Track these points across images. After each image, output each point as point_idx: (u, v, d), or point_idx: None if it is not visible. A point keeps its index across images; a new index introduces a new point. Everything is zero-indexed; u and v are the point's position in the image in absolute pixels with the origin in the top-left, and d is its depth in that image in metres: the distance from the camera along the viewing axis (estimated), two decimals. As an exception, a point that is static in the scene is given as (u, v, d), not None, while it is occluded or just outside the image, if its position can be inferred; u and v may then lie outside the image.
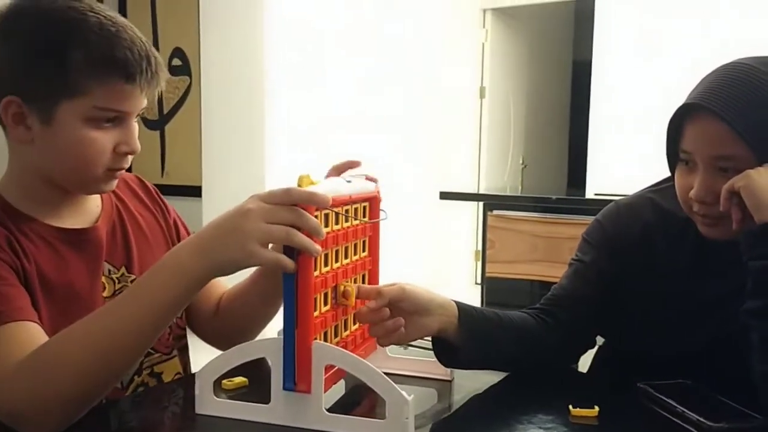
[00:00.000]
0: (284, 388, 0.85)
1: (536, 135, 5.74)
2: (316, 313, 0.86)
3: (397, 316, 0.96)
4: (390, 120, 4.14)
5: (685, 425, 0.89)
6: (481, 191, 4.66)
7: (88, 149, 0.97)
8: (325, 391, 0.85)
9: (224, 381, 0.99)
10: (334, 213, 0.91)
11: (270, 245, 0.85)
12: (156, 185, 1.24)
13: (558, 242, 2.80)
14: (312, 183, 0.88)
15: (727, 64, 1.01)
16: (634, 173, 2.57)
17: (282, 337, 0.84)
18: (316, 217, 0.84)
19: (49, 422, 0.85)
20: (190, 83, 4.22)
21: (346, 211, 0.95)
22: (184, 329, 1.19)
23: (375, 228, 1.05)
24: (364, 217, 1.01)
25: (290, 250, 0.83)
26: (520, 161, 5.48)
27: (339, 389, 1.00)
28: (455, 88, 5.01)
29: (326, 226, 0.89)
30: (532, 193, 3.95)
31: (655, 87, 3.92)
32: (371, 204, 1.03)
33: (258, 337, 1.20)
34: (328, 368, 0.86)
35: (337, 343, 0.94)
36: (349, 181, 0.97)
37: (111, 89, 0.95)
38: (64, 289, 0.99)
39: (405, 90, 4.28)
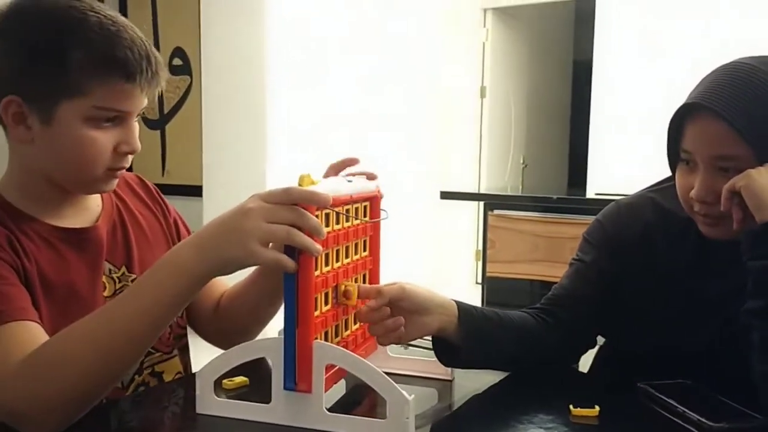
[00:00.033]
0: (285, 388, 0.85)
1: (537, 135, 5.74)
2: (316, 313, 0.86)
3: (397, 315, 0.96)
4: (391, 119, 4.14)
5: (685, 425, 0.89)
6: (482, 191, 4.66)
7: (88, 149, 0.97)
8: (325, 391, 0.85)
9: (225, 381, 0.99)
10: (334, 212, 0.91)
11: (270, 244, 0.85)
12: (157, 185, 1.24)
13: (558, 242, 2.80)
14: (313, 182, 0.88)
15: (728, 64, 1.01)
16: (634, 173, 2.57)
17: (282, 336, 0.84)
18: (316, 216, 0.84)
19: (50, 421, 0.85)
20: (191, 83, 4.22)
21: (347, 210, 0.95)
22: (185, 328, 1.19)
23: (376, 227, 1.05)
24: (364, 216, 1.01)
25: (291, 250, 0.83)
26: (521, 161, 5.48)
27: (340, 389, 1.00)
28: (456, 88, 5.01)
29: (327, 225, 0.89)
30: (532, 192, 3.94)
31: (656, 87, 3.92)
32: (372, 203, 1.03)
33: (259, 337, 1.20)
34: (328, 368, 0.86)
35: (338, 343, 0.94)
36: (350, 181, 0.97)
37: (111, 89, 0.95)
38: (64, 289, 0.99)
39: (406, 89, 4.28)
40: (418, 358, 1.08)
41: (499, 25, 5.22)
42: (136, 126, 1.02)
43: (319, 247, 0.83)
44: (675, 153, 1.05)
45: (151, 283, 0.89)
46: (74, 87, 0.93)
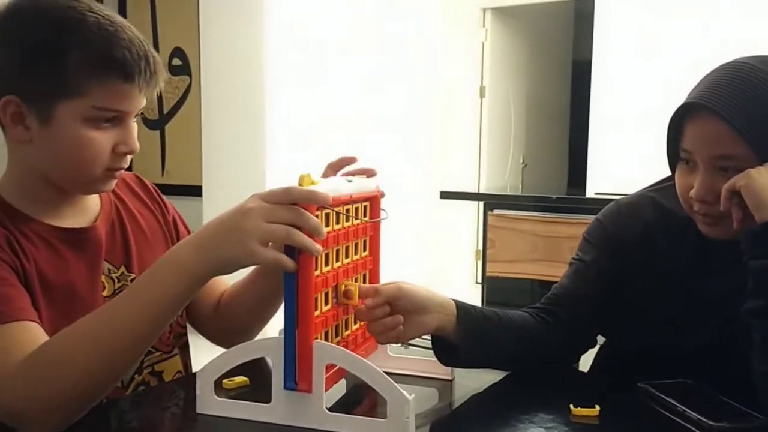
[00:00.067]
0: (285, 388, 0.85)
1: (536, 134, 5.74)
2: (316, 313, 0.86)
3: (395, 314, 0.96)
4: (390, 119, 4.14)
5: (686, 424, 0.89)
6: (482, 191, 4.65)
7: (86, 149, 0.96)
8: (326, 391, 0.85)
9: (225, 380, 0.99)
10: (334, 212, 0.91)
11: (270, 244, 0.85)
12: (156, 185, 1.24)
13: (558, 242, 2.80)
14: (313, 182, 0.88)
15: (727, 64, 1.01)
16: (634, 172, 2.57)
17: (283, 336, 0.84)
18: (316, 216, 0.84)
19: (50, 421, 0.85)
20: (190, 83, 4.22)
21: (347, 210, 0.95)
22: (185, 327, 1.19)
23: (375, 227, 1.05)
24: (364, 216, 1.01)
25: (291, 250, 0.83)
26: (521, 161, 5.48)
27: (340, 388, 1.00)
28: (455, 88, 5.01)
29: (327, 225, 0.89)
30: (532, 192, 3.94)
31: (655, 86, 3.92)
32: (372, 203, 1.03)
33: (259, 336, 1.20)
34: (329, 367, 0.86)
35: (338, 343, 0.94)
36: (349, 181, 0.97)
37: (109, 89, 0.95)
38: (63, 289, 0.99)
39: (405, 90, 4.28)
40: (419, 357, 1.08)
41: (498, 25, 5.22)
42: (134, 126, 1.02)
43: (319, 247, 0.83)
44: (674, 152, 1.05)
45: (151, 282, 0.89)
46: (73, 87, 0.93)
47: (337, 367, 0.89)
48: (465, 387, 1.05)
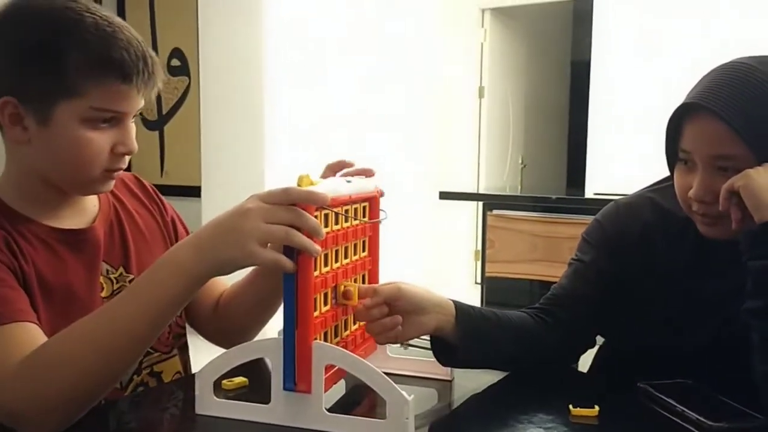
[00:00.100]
0: (284, 388, 0.85)
1: (535, 135, 5.74)
2: (316, 313, 0.86)
3: (394, 315, 0.96)
4: (389, 120, 4.14)
5: (685, 425, 0.89)
6: (481, 191, 4.65)
7: (85, 150, 0.96)
8: (325, 391, 0.85)
9: (224, 381, 0.98)
10: (333, 213, 0.91)
11: (269, 245, 0.85)
12: (155, 185, 1.23)
13: (557, 242, 2.80)
14: (312, 183, 0.88)
15: (726, 64, 1.01)
16: (633, 173, 2.57)
17: (282, 337, 0.84)
18: (316, 217, 0.84)
19: (49, 422, 0.85)
20: (189, 83, 4.22)
21: (346, 211, 0.95)
22: (184, 328, 1.19)
23: (375, 228, 1.05)
24: (363, 217, 1.01)
25: (290, 250, 0.83)
26: (520, 161, 5.48)
27: (339, 389, 1.00)
28: (454, 88, 5.01)
29: (326, 226, 0.89)
30: (531, 192, 3.94)
31: (655, 87, 3.92)
32: (371, 204, 1.03)
33: (258, 337, 1.20)
34: (328, 368, 0.86)
35: (337, 343, 0.94)
36: (349, 181, 0.97)
37: (107, 90, 0.95)
38: (62, 290, 0.99)
39: (404, 90, 4.28)
40: (418, 358, 1.08)
41: (497, 26, 5.22)
42: (132, 127, 1.02)
43: (318, 247, 0.83)
44: (673, 153, 1.05)
45: (149, 283, 0.89)
46: (71, 88, 0.93)
47: (337, 367, 0.88)
48: (464, 387, 1.05)
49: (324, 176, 1.05)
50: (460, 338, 1.02)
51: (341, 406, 0.94)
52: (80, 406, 0.88)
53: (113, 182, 1.04)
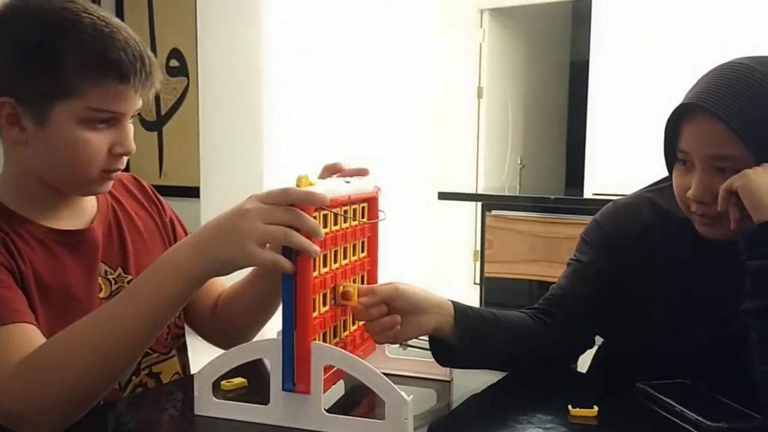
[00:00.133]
0: (283, 389, 0.85)
1: (534, 135, 5.74)
2: (315, 314, 0.86)
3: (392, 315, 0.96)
4: (388, 120, 4.15)
5: (684, 425, 0.89)
6: (480, 191, 4.65)
7: (82, 150, 0.96)
8: (324, 392, 0.85)
9: (223, 382, 0.98)
10: (332, 213, 0.91)
11: (268, 245, 0.85)
12: (154, 186, 1.23)
13: (556, 242, 2.80)
14: (311, 184, 0.88)
15: (725, 64, 1.01)
16: (632, 173, 2.57)
17: (281, 337, 0.84)
18: (315, 217, 0.84)
19: (48, 423, 0.85)
20: (188, 84, 4.23)
21: (345, 211, 0.95)
22: (183, 328, 1.19)
23: (374, 228, 1.04)
24: (362, 217, 1.01)
25: (288, 251, 0.83)
26: (518, 161, 5.48)
27: (338, 390, 1.00)
28: (453, 89, 5.01)
29: (325, 226, 0.88)
30: (530, 193, 3.94)
31: (654, 87, 3.93)
32: (370, 204, 1.03)
33: (257, 338, 1.20)
34: (327, 369, 0.86)
35: (336, 344, 0.94)
36: (347, 182, 0.97)
37: (105, 90, 0.95)
38: (60, 291, 0.99)
39: (403, 90, 4.29)
40: (417, 358, 1.08)
41: (495, 26, 5.22)
42: (130, 127, 1.02)
43: (316, 248, 0.83)
44: (672, 153, 1.05)
45: (148, 283, 0.88)
46: (68, 88, 0.93)
47: (336, 368, 0.88)
48: (463, 388, 1.05)
49: (322, 176, 1.05)
50: (458, 339, 1.02)
51: (340, 407, 0.94)
52: (79, 407, 0.87)
53: (111, 183, 1.04)
